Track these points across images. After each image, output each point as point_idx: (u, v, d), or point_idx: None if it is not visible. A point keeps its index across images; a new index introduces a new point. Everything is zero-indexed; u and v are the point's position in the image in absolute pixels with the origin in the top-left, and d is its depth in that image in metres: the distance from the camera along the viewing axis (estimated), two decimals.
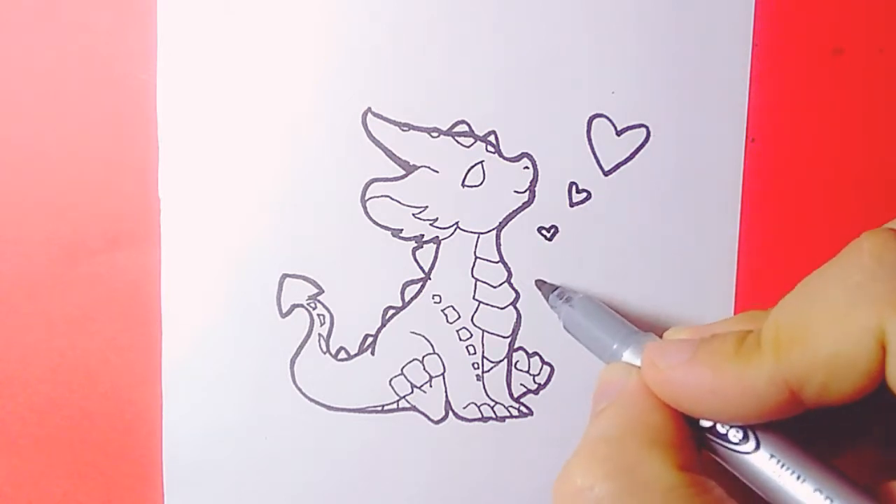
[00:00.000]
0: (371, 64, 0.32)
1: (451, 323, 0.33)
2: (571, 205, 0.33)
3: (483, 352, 0.33)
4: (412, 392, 0.33)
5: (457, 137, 0.32)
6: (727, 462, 0.22)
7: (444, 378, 0.33)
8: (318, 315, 0.33)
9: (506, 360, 0.33)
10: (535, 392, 0.33)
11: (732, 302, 0.33)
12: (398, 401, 0.33)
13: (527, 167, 0.32)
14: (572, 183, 0.33)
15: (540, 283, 0.32)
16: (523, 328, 0.33)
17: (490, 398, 0.33)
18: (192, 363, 0.33)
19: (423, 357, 0.33)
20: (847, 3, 0.32)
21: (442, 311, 0.33)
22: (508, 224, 0.33)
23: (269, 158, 0.32)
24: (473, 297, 0.33)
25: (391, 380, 0.33)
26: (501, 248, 0.33)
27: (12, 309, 0.33)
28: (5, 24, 0.32)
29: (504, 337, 0.33)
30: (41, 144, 0.32)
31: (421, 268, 0.33)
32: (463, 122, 0.32)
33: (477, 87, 0.32)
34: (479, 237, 0.33)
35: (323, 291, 0.33)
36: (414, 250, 0.33)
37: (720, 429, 0.22)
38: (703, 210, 0.33)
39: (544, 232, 0.33)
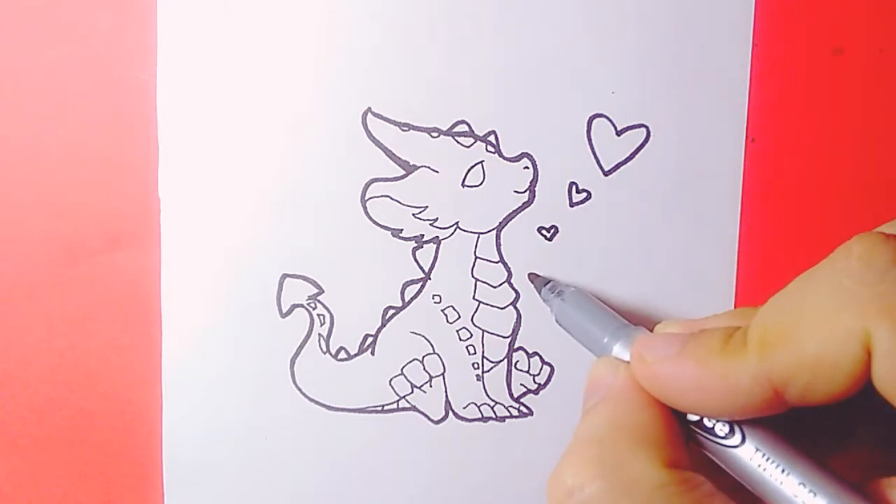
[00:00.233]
0: (371, 64, 0.32)
1: (451, 323, 0.33)
2: (571, 205, 0.33)
3: (483, 352, 0.33)
4: (412, 392, 0.33)
5: (457, 137, 0.32)
6: (714, 456, 0.23)
7: (444, 378, 0.33)
8: (318, 315, 0.33)
9: (506, 360, 0.33)
10: (535, 392, 0.33)
11: (732, 302, 0.33)
12: (398, 401, 0.33)
13: (527, 167, 0.32)
14: (572, 183, 0.33)
15: (532, 277, 0.32)
16: (523, 328, 0.33)
17: (490, 398, 0.33)
18: (192, 363, 0.33)
19: (423, 357, 0.33)
20: (847, 3, 0.32)
21: (442, 311, 0.33)
22: (508, 224, 0.33)
23: (269, 158, 0.32)
24: (473, 297, 0.33)
25: (391, 380, 0.33)
26: (501, 248, 0.33)
27: (12, 309, 0.33)
28: (5, 24, 0.32)
29: (504, 337, 0.33)
30: (41, 144, 0.32)
31: (421, 268, 0.33)
32: (463, 122, 0.32)
33: (477, 87, 0.32)
34: (479, 237, 0.33)
35: (323, 291, 0.33)
36: (414, 250, 0.33)
37: (707, 422, 0.22)
38: (703, 210, 0.33)
39: (544, 232, 0.33)
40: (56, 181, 0.32)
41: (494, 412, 0.33)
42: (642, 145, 0.32)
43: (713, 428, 0.22)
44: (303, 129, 0.32)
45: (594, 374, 0.25)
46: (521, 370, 0.33)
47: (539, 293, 0.32)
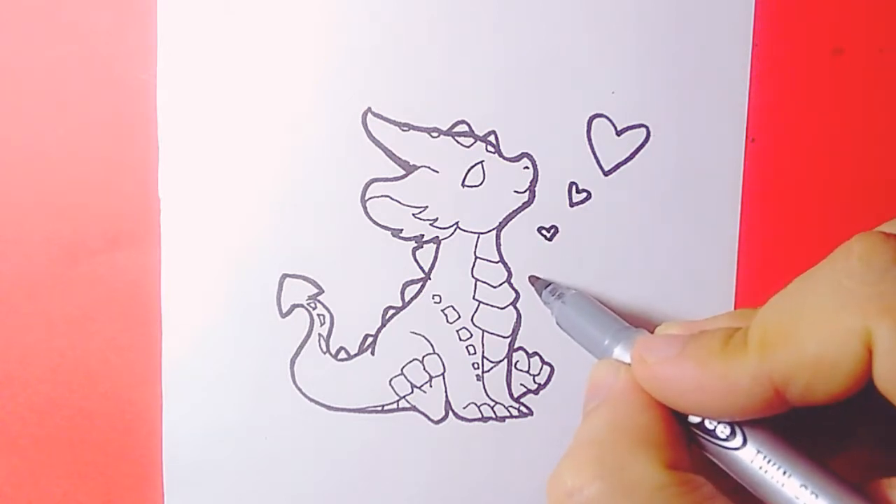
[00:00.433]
0: (371, 64, 0.32)
1: (451, 323, 0.33)
2: (571, 205, 0.33)
3: (483, 352, 0.33)
4: (412, 392, 0.33)
5: (457, 137, 0.32)
6: (716, 458, 0.23)
7: (444, 378, 0.33)
8: (318, 315, 0.33)
9: (506, 360, 0.33)
10: (535, 392, 0.33)
11: (732, 302, 0.33)
12: (398, 401, 0.33)
13: (527, 167, 0.32)
14: (572, 183, 0.33)
15: (533, 279, 0.32)
16: (523, 328, 0.33)
17: (490, 398, 0.33)
18: (192, 363, 0.33)
19: (423, 357, 0.33)
20: (847, 3, 0.32)
21: (442, 311, 0.33)
22: (508, 224, 0.33)
23: (269, 158, 0.32)
24: (473, 297, 0.33)
25: (391, 380, 0.33)
26: (501, 248, 0.33)
27: (12, 309, 0.33)
28: (5, 24, 0.32)
29: (504, 337, 0.33)
30: (41, 144, 0.32)
31: (421, 268, 0.33)
32: (463, 122, 0.32)
33: (477, 87, 0.32)
34: (479, 237, 0.33)
35: (323, 291, 0.33)
36: (414, 250, 0.33)
37: (708, 425, 0.22)
38: (703, 210, 0.33)
39: (544, 232, 0.33)
40: (56, 181, 0.32)
41: (494, 412, 0.33)
42: (642, 145, 0.32)
43: (714, 430, 0.22)
44: (303, 129, 0.32)
45: (595, 376, 0.25)
46: (521, 370, 0.33)
47: (540, 296, 0.32)
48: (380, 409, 0.33)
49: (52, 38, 0.32)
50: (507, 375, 0.33)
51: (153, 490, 0.34)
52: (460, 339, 0.33)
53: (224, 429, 0.33)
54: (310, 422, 0.33)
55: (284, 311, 0.33)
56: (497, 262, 0.33)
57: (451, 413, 0.33)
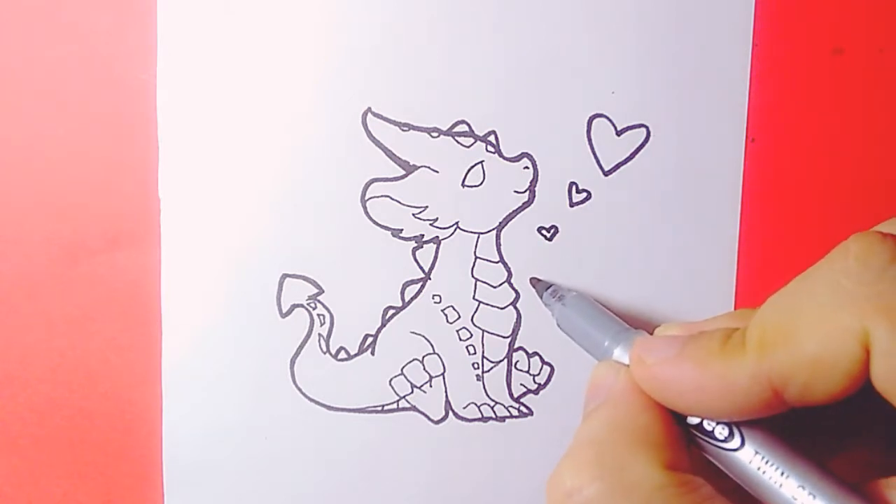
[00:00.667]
0: (371, 64, 0.32)
1: (451, 323, 0.33)
2: (571, 205, 0.33)
3: (483, 352, 0.33)
4: (412, 392, 0.33)
5: (457, 137, 0.32)
6: (714, 458, 0.23)
7: (444, 378, 0.33)
8: (318, 315, 0.33)
9: (506, 360, 0.33)
10: (535, 392, 0.33)
11: (732, 302, 0.33)
12: (398, 401, 0.33)
13: (527, 167, 0.32)
14: (572, 183, 0.33)
15: (534, 281, 0.32)
16: (523, 328, 0.33)
17: (490, 398, 0.33)
18: (192, 363, 0.33)
19: (423, 357, 0.33)
20: (847, 3, 0.32)
21: (442, 311, 0.33)
22: (508, 224, 0.33)
23: (269, 158, 0.32)
24: (473, 297, 0.33)
25: (391, 380, 0.33)
26: (501, 248, 0.33)
27: (12, 309, 0.33)
28: (5, 24, 0.32)
29: (504, 337, 0.33)
30: (41, 144, 0.32)
31: (421, 268, 0.33)
32: (463, 122, 0.32)
33: (477, 87, 0.32)
34: (479, 237, 0.33)
35: (323, 291, 0.33)
36: (414, 250, 0.33)
37: (707, 426, 0.22)
38: (703, 210, 0.33)
39: (544, 232, 0.33)
40: (56, 181, 0.32)
41: (494, 412, 0.33)
42: (642, 145, 0.32)
43: (713, 431, 0.22)
44: (303, 129, 0.32)
45: (595, 377, 0.25)
46: (521, 370, 0.33)
47: (540, 298, 0.32)
48: (380, 409, 0.33)
49: (52, 38, 0.32)
50: (507, 375, 0.33)
51: (153, 490, 0.34)
52: (460, 339, 0.33)
53: (224, 429, 0.33)
54: (310, 422, 0.33)
55: (284, 311, 0.33)
56: (497, 262, 0.33)
57: (451, 413, 0.33)
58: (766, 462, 0.21)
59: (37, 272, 0.33)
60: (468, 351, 0.33)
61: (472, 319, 0.33)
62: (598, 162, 0.32)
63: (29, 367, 0.33)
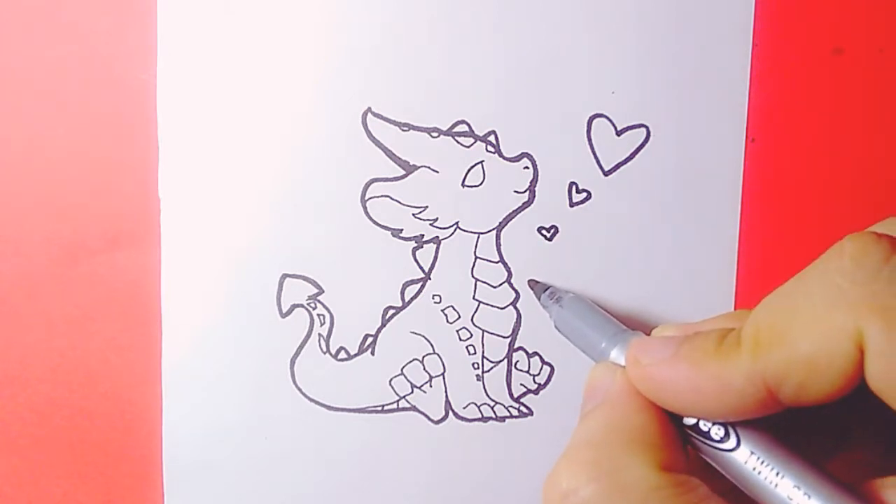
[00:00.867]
0: (371, 64, 0.32)
1: (451, 323, 0.33)
2: (571, 205, 0.33)
3: (483, 352, 0.33)
4: (412, 392, 0.33)
5: (457, 137, 0.32)
6: (711, 459, 0.23)
7: (444, 378, 0.33)
8: (318, 315, 0.33)
9: (506, 360, 0.33)
10: (535, 392, 0.33)
11: (732, 302, 0.33)
12: (398, 401, 0.33)
13: (527, 167, 0.32)
14: (572, 183, 0.33)
15: (532, 283, 0.33)
16: (523, 328, 0.33)
17: (490, 398, 0.33)
18: (192, 363, 0.33)
19: (423, 357, 0.33)
20: (847, 3, 0.32)
21: (442, 311, 0.33)
22: (508, 224, 0.33)
23: (269, 158, 0.32)
24: (473, 297, 0.33)
25: (391, 380, 0.33)
26: (501, 248, 0.33)
27: (12, 309, 0.33)
28: (5, 24, 0.32)
29: (504, 337, 0.33)
30: (41, 144, 0.32)
31: (421, 268, 0.33)
32: (463, 122, 0.32)
33: (477, 87, 0.32)
34: (479, 237, 0.33)
35: (323, 291, 0.33)
36: (414, 250, 0.33)
37: (703, 426, 0.22)
38: (703, 210, 0.33)
39: (544, 232, 0.33)
40: (56, 181, 0.32)
41: (494, 412, 0.33)
42: (642, 145, 0.32)
43: (709, 432, 0.22)
44: (303, 129, 0.32)
45: (592, 378, 0.25)
46: (521, 370, 0.33)
47: (539, 299, 0.32)
48: (380, 409, 0.33)
49: (52, 38, 0.32)
50: (507, 375, 0.33)
51: (153, 490, 0.34)
52: (460, 339, 0.33)
53: (224, 429, 0.33)
54: (310, 422, 0.33)
55: (284, 311, 0.33)
56: (497, 262, 0.33)
57: (451, 413, 0.33)
58: (762, 462, 0.21)
59: (37, 272, 0.33)
60: (468, 351, 0.33)
61: (472, 319, 0.33)
62: (598, 162, 0.32)
63: (29, 367, 0.33)
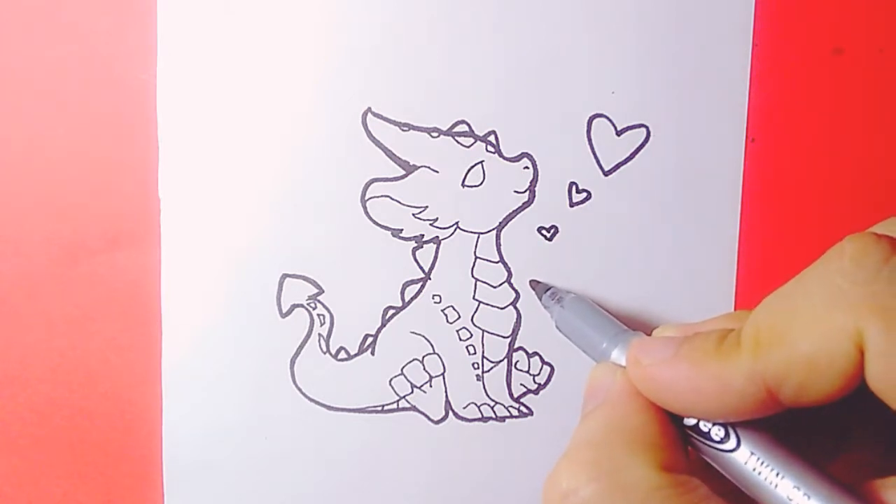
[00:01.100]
0: (371, 64, 0.32)
1: (451, 323, 0.33)
2: (571, 205, 0.33)
3: (483, 352, 0.33)
4: (412, 392, 0.33)
5: (457, 137, 0.32)
6: (711, 459, 0.23)
7: (444, 378, 0.33)
8: (318, 315, 0.33)
9: (506, 360, 0.33)
10: (535, 392, 0.33)
11: (732, 302, 0.33)
12: (398, 401, 0.33)
13: (527, 167, 0.32)
14: (572, 183, 0.33)
15: (534, 284, 0.33)
16: (523, 328, 0.33)
17: (490, 398, 0.33)
18: (192, 363, 0.33)
19: (423, 357, 0.33)
20: (847, 3, 0.32)
21: (442, 311, 0.33)
22: (508, 224, 0.33)
23: (269, 158, 0.32)
24: (473, 297, 0.33)
25: (391, 380, 0.33)
26: (501, 248, 0.33)
27: (12, 309, 0.33)
28: (5, 24, 0.32)
29: (504, 337, 0.33)
30: (41, 144, 0.32)
31: (421, 268, 0.33)
32: (463, 122, 0.32)
33: (477, 87, 0.32)
34: (479, 237, 0.33)
35: (323, 291, 0.33)
36: (414, 250, 0.33)
37: (703, 427, 0.22)
38: (703, 210, 0.33)
39: (544, 232, 0.33)
40: (56, 181, 0.32)
41: (494, 412, 0.33)
42: (642, 145, 0.32)
43: (709, 432, 0.22)
44: (303, 129, 0.32)
45: (592, 379, 0.25)
46: (521, 370, 0.33)
47: (540, 300, 0.32)
48: (380, 409, 0.33)
49: (52, 38, 0.32)
50: (507, 375, 0.33)
51: (153, 490, 0.34)
52: (460, 339, 0.33)
53: (224, 429, 0.33)
54: (310, 422, 0.33)
55: (284, 311, 0.33)
56: (497, 262, 0.33)
57: (451, 413, 0.33)
58: (762, 463, 0.21)
59: (37, 272, 0.33)
60: (468, 351, 0.33)
61: (472, 319, 0.33)
62: (598, 162, 0.32)
63: (29, 367, 0.33)
